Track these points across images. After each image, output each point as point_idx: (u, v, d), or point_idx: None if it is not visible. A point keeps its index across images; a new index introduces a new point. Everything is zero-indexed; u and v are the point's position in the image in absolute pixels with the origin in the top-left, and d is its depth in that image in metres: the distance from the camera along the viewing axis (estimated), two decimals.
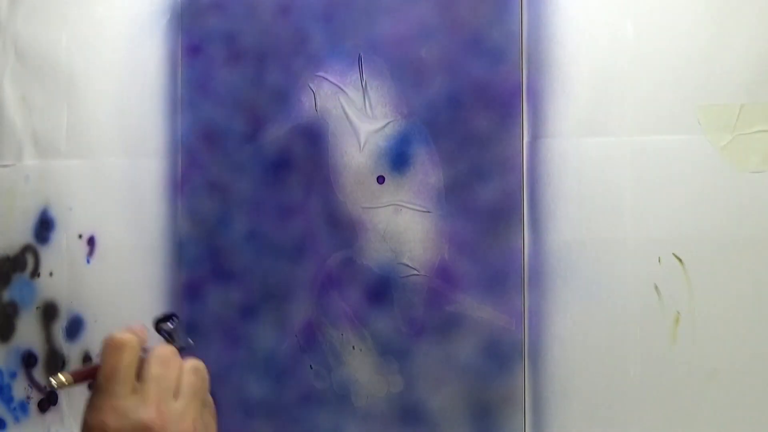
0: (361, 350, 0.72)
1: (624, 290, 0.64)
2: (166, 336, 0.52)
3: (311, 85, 0.74)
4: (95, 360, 0.47)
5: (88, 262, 0.82)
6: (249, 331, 0.75)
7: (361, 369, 0.72)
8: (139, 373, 0.45)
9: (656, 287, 0.64)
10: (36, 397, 0.84)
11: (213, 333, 0.77)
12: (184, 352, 0.50)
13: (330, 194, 0.73)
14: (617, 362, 0.64)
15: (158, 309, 0.79)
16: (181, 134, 0.79)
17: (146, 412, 0.43)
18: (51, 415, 0.84)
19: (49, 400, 0.84)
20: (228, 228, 0.76)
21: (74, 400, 0.83)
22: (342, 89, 0.73)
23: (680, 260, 0.63)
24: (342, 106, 0.73)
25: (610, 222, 0.65)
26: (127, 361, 0.45)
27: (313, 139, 0.74)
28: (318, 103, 0.73)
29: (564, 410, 0.66)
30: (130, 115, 0.81)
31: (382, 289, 0.71)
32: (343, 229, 0.72)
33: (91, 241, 0.82)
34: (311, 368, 0.73)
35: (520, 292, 0.67)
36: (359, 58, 0.72)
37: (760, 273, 0.61)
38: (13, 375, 0.86)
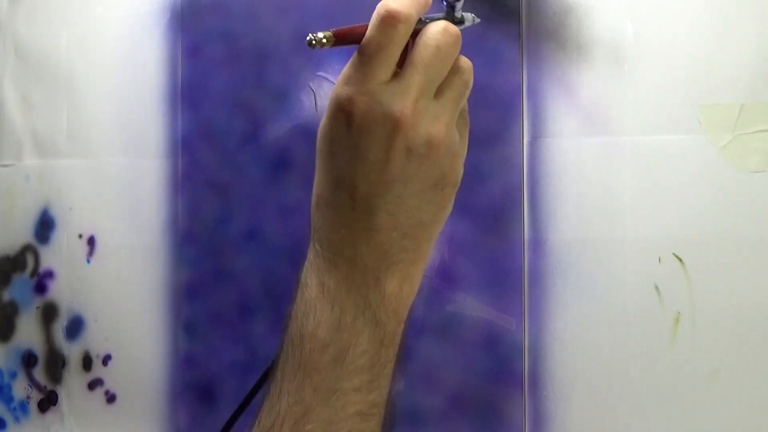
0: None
1: (624, 290, 0.64)
2: (448, 6, 0.44)
3: (311, 85, 0.74)
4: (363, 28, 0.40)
5: (88, 262, 0.82)
6: (249, 331, 0.75)
7: None
8: (407, 54, 0.39)
9: (656, 287, 0.64)
10: (36, 397, 0.84)
11: (213, 333, 0.77)
12: (463, 29, 0.43)
13: None
14: (617, 362, 0.64)
15: (158, 309, 0.79)
16: (181, 134, 0.79)
17: (401, 105, 0.38)
18: (51, 415, 0.84)
19: (49, 400, 0.84)
20: (228, 228, 0.76)
21: (74, 400, 0.83)
22: None
23: (680, 260, 0.63)
24: None
25: (610, 222, 0.65)
26: (397, 39, 0.39)
27: (313, 139, 0.73)
28: (318, 103, 0.73)
29: (564, 410, 0.66)
30: (130, 114, 0.81)
31: None
32: None
33: (91, 241, 0.82)
34: None
35: (520, 292, 0.67)
36: None
37: (761, 273, 0.61)
38: (13, 375, 0.86)
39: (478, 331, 0.68)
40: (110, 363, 0.81)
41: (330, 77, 0.73)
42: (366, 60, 0.39)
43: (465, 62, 0.42)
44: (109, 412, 0.81)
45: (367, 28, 0.40)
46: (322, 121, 0.41)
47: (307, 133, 0.74)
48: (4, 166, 0.87)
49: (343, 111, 0.39)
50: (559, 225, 0.66)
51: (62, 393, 0.83)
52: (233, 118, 0.76)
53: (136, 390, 0.80)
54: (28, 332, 0.85)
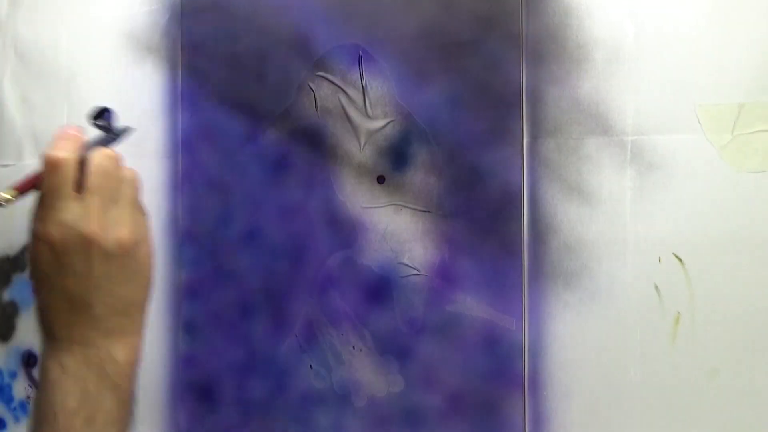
0: (361, 350, 0.72)
1: (624, 290, 0.64)
2: (103, 130, 0.54)
3: (311, 85, 0.74)
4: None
5: None
6: (249, 330, 0.75)
7: (361, 369, 0.72)
8: (81, 181, 0.48)
9: (656, 287, 0.64)
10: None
11: (213, 333, 0.77)
12: (122, 139, 0.54)
13: (330, 194, 0.73)
14: (617, 362, 0.64)
15: (157, 309, 0.79)
16: (181, 134, 0.79)
17: (88, 225, 0.47)
18: None
19: None
20: (228, 228, 0.76)
21: None
22: (342, 89, 0.73)
23: (680, 260, 0.63)
24: (342, 106, 0.73)
25: (610, 222, 0.65)
26: (66, 177, 0.48)
27: (313, 139, 0.74)
28: (318, 103, 0.73)
29: (564, 410, 0.66)
30: (129, 114, 0.81)
31: (382, 289, 0.71)
32: (343, 229, 0.72)
33: None
34: (311, 368, 0.73)
35: (520, 292, 0.67)
36: (359, 58, 0.72)
37: (761, 273, 0.61)
38: (13, 375, 0.86)
39: (478, 331, 0.68)
40: None
41: (330, 77, 0.73)
42: (47, 197, 0.48)
43: (129, 172, 0.52)
44: None
45: (40, 174, 0.49)
46: (29, 257, 0.49)
47: (307, 133, 0.74)
48: (4, 166, 0.87)
49: (45, 243, 0.47)
50: (559, 225, 0.66)
51: None
52: (233, 118, 0.76)
53: (135, 390, 0.80)
54: (28, 332, 0.85)
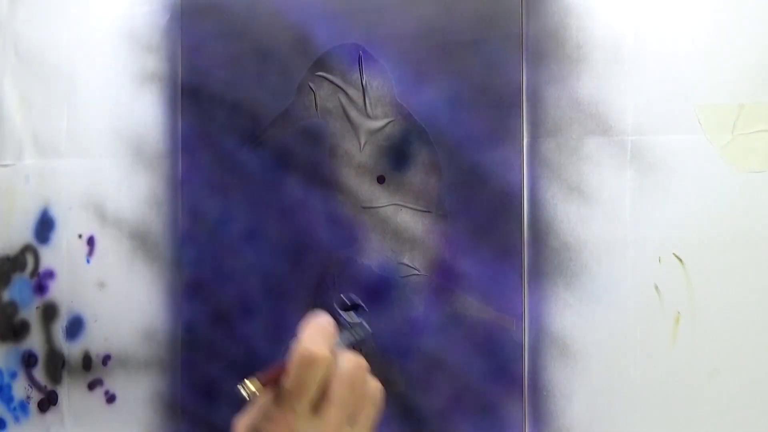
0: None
1: (624, 290, 0.64)
2: (345, 325, 0.47)
3: (311, 85, 0.74)
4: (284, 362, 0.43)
5: (88, 262, 0.82)
6: (249, 331, 0.75)
7: None
8: (324, 388, 0.42)
9: (656, 287, 0.64)
10: (36, 397, 0.84)
11: (213, 333, 0.77)
12: (363, 344, 0.46)
13: (330, 194, 0.73)
14: (617, 362, 0.64)
15: (158, 309, 0.79)
16: (181, 134, 0.79)
17: None
18: (51, 415, 0.84)
19: (49, 400, 0.84)
20: (228, 228, 0.76)
21: (74, 400, 0.83)
22: (342, 89, 0.73)
23: (680, 260, 0.63)
24: (342, 106, 0.73)
25: (610, 222, 0.65)
26: (317, 378, 0.41)
27: (313, 139, 0.73)
28: (318, 103, 0.73)
29: (564, 410, 0.66)
30: (130, 114, 0.81)
31: (382, 289, 0.71)
32: (343, 229, 0.72)
33: (90, 241, 0.82)
34: None
35: (520, 292, 0.67)
36: (359, 58, 0.72)
37: (761, 273, 0.61)
38: (13, 375, 0.86)
39: (478, 331, 0.68)
40: (110, 363, 0.81)
41: (330, 77, 0.73)
42: (288, 396, 0.41)
43: (374, 387, 0.45)
44: (109, 412, 0.81)
45: (285, 367, 0.43)
46: None
47: (307, 133, 0.74)
48: (4, 166, 0.87)
49: None
50: (559, 225, 0.66)
51: (62, 393, 0.83)
52: (233, 118, 0.76)
53: (135, 390, 0.80)
54: (27, 332, 0.85)
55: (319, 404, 0.42)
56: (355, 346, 0.45)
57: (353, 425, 0.43)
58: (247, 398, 0.42)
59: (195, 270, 0.78)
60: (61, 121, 0.84)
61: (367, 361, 0.43)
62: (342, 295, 0.46)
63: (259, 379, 0.43)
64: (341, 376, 0.42)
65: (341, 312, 0.47)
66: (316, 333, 0.43)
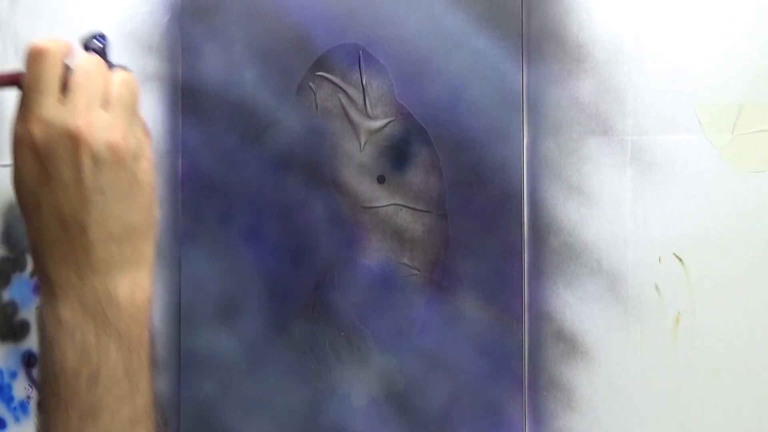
0: (361, 350, 0.72)
1: (624, 290, 0.64)
2: (96, 54, 0.48)
3: (311, 85, 0.74)
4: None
5: None
6: (249, 331, 0.75)
7: (361, 369, 0.72)
8: (65, 85, 0.43)
9: (656, 287, 0.64)
10: (36, 397, 0.84)
11: (213, 333, 0.77)
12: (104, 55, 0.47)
13: (330, 194, 0.73)
14: (617, 362, 0.64)
15: (158, 309, 0.79)
16: (181, 134, 0.79)
17: (73, 120, 0.42)
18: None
19: None
20: (228, 228, 0.76)
21: None
22: (342, 89, 0.73)
23: (680, 260, 0.63)
24: (342, 106, 0.73)
25: (610, 222, 0.65)
26: (51, 69, 0.43)
27: (313, 138, 0.74)
28: (318, 103, 0.73)
29: (564, 410, 0.66)
30: None
31: (382, 289, 0.71)
32: (343, 229, 0.72)
33: None
34: (311, 368, 0.73)
35: (520, 292, 0.67)
36: (359, 58, 0.72)
37: (761, 273, 0.61)
38: (13, 375, 0.86)
39: (478, 331, 0.68)
40: None
41: (330, 77, 0.73)
42: (29, 92, 0.43)
43: (128, 75, 0.46)
44: None
45: (22, 72, 0.45)
46: (13, 173, 0.44)
47: (307, 133, 0.74)
48: (4, 166, 0.87)
49: (25, 144, 0.42)
50: (559, 225, 0.66)
51: None
52: (233, 118, 0.76)
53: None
54: (28, 332, 0.85)
55: (64, 97, 0.43)
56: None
57: (107, 108, 0.44)
58: None
59: (195, 270, 0.78)
60: None
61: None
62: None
63: None
64: (79, 66, 0.44)
65: (86, 44, 0.48)
66: (46, 39, 0.45)
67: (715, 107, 0.62)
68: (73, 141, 0.42)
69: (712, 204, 0.62)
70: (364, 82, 0.72)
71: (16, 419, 0.85)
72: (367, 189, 0.72)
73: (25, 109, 0.43)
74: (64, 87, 0.43)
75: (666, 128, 0.64)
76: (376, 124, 0.72)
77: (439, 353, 0.69)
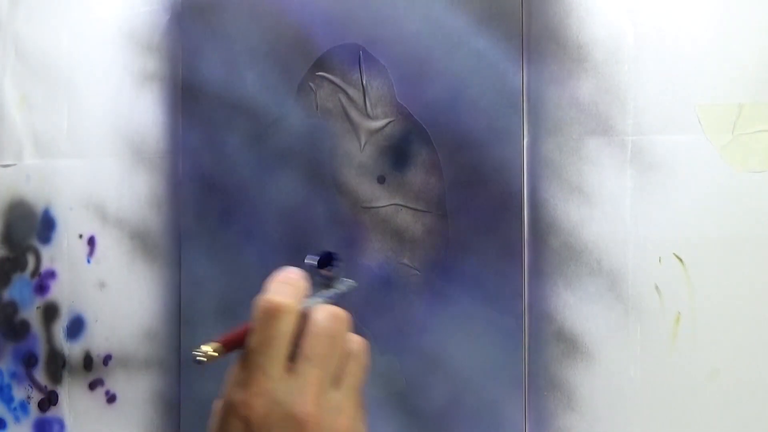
0: (346, 308, 0.72)
1: (624, 290, 0.64)
2: (323, 282, 0.42)
3: (311, 85, 0.74)
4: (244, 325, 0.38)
5: (88, 262, 0.82)
6: None
7: None
8: (297, 345, 0.37)
9: (656, 287, 0.64)
10: (36, 397, 0.84)
11: (213, 333, 0.77)
12: (345, 298, 0.41)
13: (330, 194, 0.73)
14: (617, 362, 0.64)
15: (158, 309, 0.79)
16: (181, 134, 0.79)
17: (302, 404, 0.35)
18: (51, 415, 0.84)
19: (49, 400, 0.84)
20: (228, 228, 0.76)
21: (75, 400, 0.83)
22: (342, 89, 0.73)
23: (680, 260, 0.63)
24: (342, 106, 0.73)
25: (610, 222, 0.65)
26: (284, 331, 0.36)
27: (313, 138, 0.74)
28: (318, 103, 0.73)
29: (564, 410, 0.66)
30: (130, 114, 0.81)
31: (382, 289, 0.71)
32: (343, 229, 0.72)
33: (91, 241, 0.82)
34: None
35: (520, 292, 0.67)
36: (359, 58, 0.72)
37: (761, 273, 0.61)
38: (13, 375, 0.86)
39: (478, 331, 0.68)
40: (110, 363, 0.81)
41: (330, 77, 0.73)
42: (255, 356, 0.37)
43: (357, 343, 0.39)
44: (109, 412, 0.81)
45: (248, 325, 0.38)
46: (214, 429, 0.38)
47: (307, 133, 0.74)
48: (5, 166, 0.87)
49: (238, 417, 0.36)
50: (559, 225, 0.66)
51: (62, 393, 0.83)
52: (233, 118, 0.76)
53: (136, 390, 0.80)
54: (28, 332, 0.85)
55: (293, 363, 0.36)
56: (339, 304, 0.40)
57: (338, 387, 0.37)
58: (204, 360, 0.38)
59: (195, 270, 0.78)
60: (61, 121, 0.84)
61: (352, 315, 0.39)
62: (308, 256, 0.42)
63: (219, 341, 0.38)
64: (316, 328, 0.37)
65: (318, 268, 0.42)
66: (281, 285, 0.39)
67: (714, 107, 0.62)
68: (299, 428, 0.35)
69: (712, 204, 0.62)
70: (364, 82, 0.72)
71: (16, 419, 0.85)
72: (367, 189, 0.72)
73: (246, 372, 0.36)
74: (295, 348, 0.37)
75: (666, 128, 0.64)
76: (376, 124, 0.72)
77: (439, 353, 0.69)
